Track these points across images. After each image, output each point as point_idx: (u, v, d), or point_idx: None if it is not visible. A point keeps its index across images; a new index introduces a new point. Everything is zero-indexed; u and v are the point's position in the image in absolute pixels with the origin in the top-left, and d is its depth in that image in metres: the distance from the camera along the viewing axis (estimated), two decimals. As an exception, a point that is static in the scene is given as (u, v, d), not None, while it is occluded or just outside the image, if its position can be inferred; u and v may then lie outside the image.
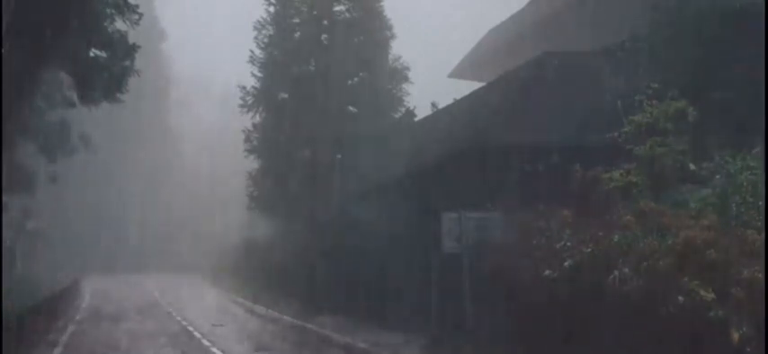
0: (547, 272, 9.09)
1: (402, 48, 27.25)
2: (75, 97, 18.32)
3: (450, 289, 12.46)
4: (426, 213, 14.02)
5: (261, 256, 30.99)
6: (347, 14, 26.54)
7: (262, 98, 27.00)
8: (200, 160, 58.42)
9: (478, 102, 16.88)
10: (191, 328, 17.28)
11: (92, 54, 17.22)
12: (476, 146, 14.07)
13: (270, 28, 27.28)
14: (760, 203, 7.91)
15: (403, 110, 25.84)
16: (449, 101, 18.69)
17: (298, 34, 26.88)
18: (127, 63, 17.15)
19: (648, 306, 7.52)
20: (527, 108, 14.10)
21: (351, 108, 25.88)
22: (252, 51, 27.17)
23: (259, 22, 27.34)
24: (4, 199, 16.42)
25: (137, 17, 16.99)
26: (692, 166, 10.13)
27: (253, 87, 27.12)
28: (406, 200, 16.62)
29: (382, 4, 26.57)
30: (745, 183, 8.61)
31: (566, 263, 8.87)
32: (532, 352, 9.60)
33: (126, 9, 16.69)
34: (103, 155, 38.52)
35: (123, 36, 17.06)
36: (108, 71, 17.09)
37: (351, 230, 19.43)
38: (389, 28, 26.59)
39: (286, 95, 26.84)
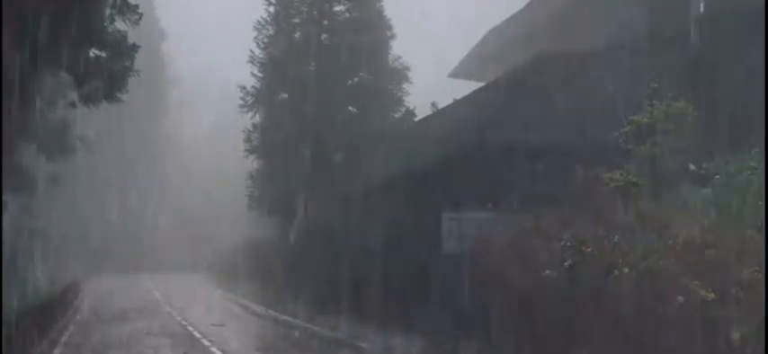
0: (547, 272, 9.09)
1: (402, 48, 27.23)
2: (75, 97, 18.29)
3: (449, 289, 12.46)
4: (426, 213, 14.02)
5: (261, 256, 30.96)
6: (347, 14, 26.51)
7: (262, 98, 26.97)
8: (199, 160, 58.37)
9: (478, 102, 16.88)
10: (191, 328, 17.30)
11: (92, 54, 17.20)
12: (476, 145, 14.06)
13: (270, 28, 27.25)
14: (760, 203, 7.91)
15: (403, 110, 25.81)
16: (449, 101, 18.67)
17: (298, 34, 26.86)
18: (127, 63, 17.10)
19: (648, 306, 7.53)
20: (527, 108, 14.09)
21: (351, 108, 25.86)
22: (252, 51, 27.17)
23: (259, 22, 27.31)
24: (4, 198, 16.40)
25: (137, 17, 16.95)
26: (691, 166, 10.12)
27: (253, 87, 27.10)
28: (407, 200, 16.61)
29: (382, 4, 26.54)
30: (745, 183, 8.60)
31: (566, 263, 8.87)
32: (532, 353, 9.60)
33: (126, 9, 16.65)
34: (103, 155, 38.57)
35: (123, 36, 17.03)
36: (108, 71, 17.07)
37: (351, 230, 19.43)
38: (389, 28, 26.54)
39: (286, 95, 26.82)
